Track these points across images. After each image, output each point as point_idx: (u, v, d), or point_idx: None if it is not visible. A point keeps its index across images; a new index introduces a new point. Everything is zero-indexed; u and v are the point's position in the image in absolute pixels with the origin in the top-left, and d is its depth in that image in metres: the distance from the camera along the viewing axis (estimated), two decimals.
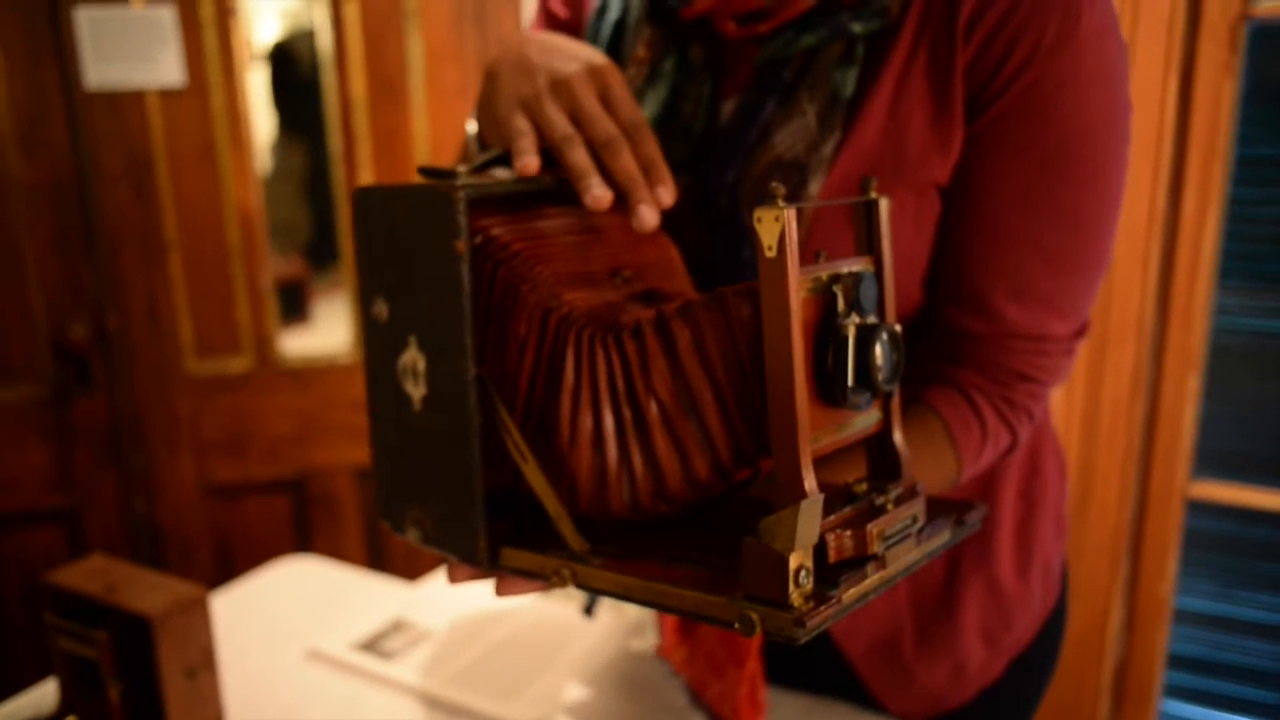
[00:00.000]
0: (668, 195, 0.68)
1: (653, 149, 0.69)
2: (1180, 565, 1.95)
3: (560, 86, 0.69)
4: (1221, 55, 1.68)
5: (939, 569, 0.93)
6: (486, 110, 0.75)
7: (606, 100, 0.70)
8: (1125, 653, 2.00)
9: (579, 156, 0.67)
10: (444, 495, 0.65)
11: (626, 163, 0.68)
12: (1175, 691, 2.03)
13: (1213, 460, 1.91)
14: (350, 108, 2.05)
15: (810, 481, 0.51)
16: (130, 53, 1.92)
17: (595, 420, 0.61)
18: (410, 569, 2.22)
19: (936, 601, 0.93)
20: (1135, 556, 1.95)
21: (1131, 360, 1.83)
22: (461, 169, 0.70)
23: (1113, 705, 2.02)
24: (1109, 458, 1.89)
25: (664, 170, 0.69)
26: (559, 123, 0.68)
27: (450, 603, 1.24)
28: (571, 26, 0.97)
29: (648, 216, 0.67)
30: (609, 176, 0.68)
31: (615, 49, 0.90)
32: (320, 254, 2.28)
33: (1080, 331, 0.83)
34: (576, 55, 0.72)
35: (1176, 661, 2.01)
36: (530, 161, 0.67)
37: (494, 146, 0.76)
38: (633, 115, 0.70)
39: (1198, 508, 1.93)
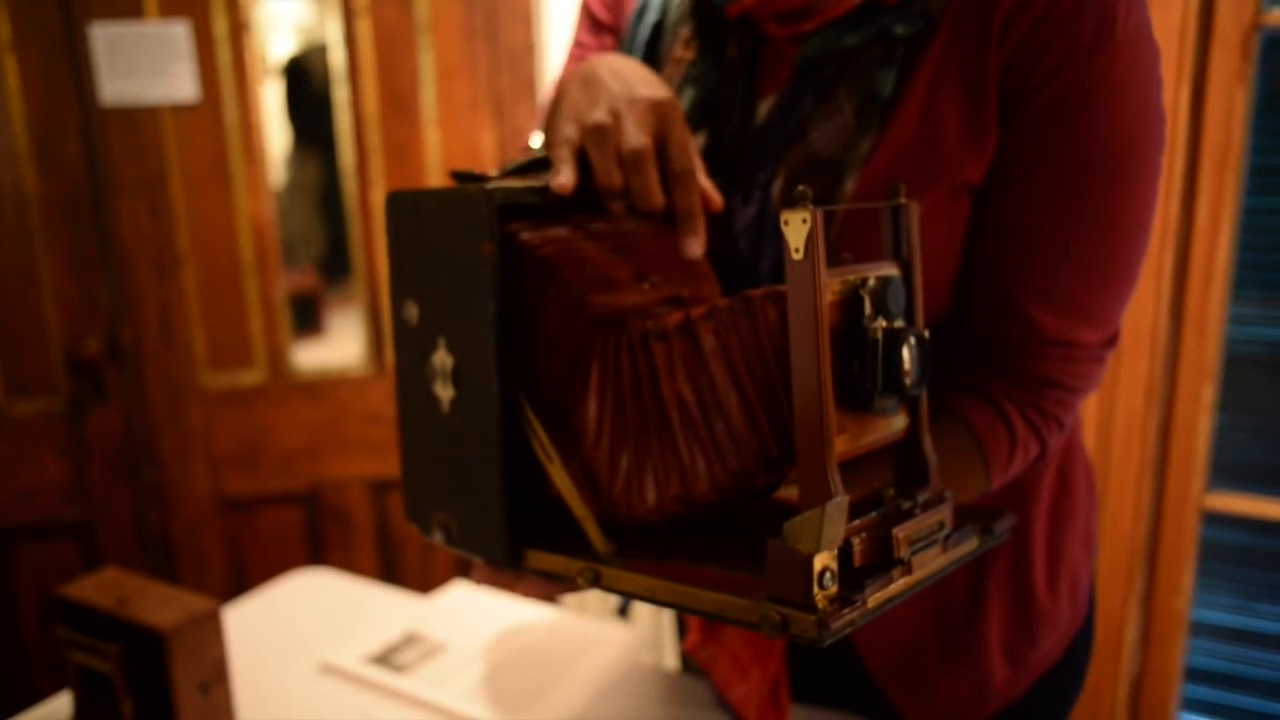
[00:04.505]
0: (697, 247, 0.70)
1: (694, 198, 0.70)
2: (1196, 578, 1.93)
3: (619, 113, 0.70)
4: (1234, 64, 1.68)
5: (966, 582, 0.92)
6: (551, 120, 0.76)
7: (664, 138, 0.70)
8: (1141, 666, 1.98)
9: (611, 173, 0.69)
10: (470, 496, 0.65)
11: (687, 198, 0.70)
12: (1193, 705, 2.01)
13: (1228, 471, 1.90)
14: (362, 122, 2.06)
15: (836, 483, 0.50)
16: (145, 69, 1.93)
17: (621, 423, 0.61)
18: (423, 582, 2.22)
19: (962, 615, 0.92)
20: (1151, 569, 1.94)
21: (1145, 371, 1.82)
22: (493, 173, 0.71)
23: (1129, 719, 2.00)
24: (1124, 470, 1.88)
25: (700, 223, 0.70)
26: (609, 143, 0.69)
27: (463, 616, 1.24)
28: (612, 29, 0.97)
29: (694, 247, 0.70)
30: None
31: (653, 49, 0.91)
32: (333, 267, 2.29)
33: (1111, 340, 0.82)
34: (644, 86, 0.72)
35: (1194, 675, 2.00)
36: (566, 180, 0.67)
37: None
38: (685, 160, 0.70)
39: (1214, 519, 1.92)
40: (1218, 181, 1.73)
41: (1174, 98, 1.70)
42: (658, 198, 0.68)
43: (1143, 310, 1.80)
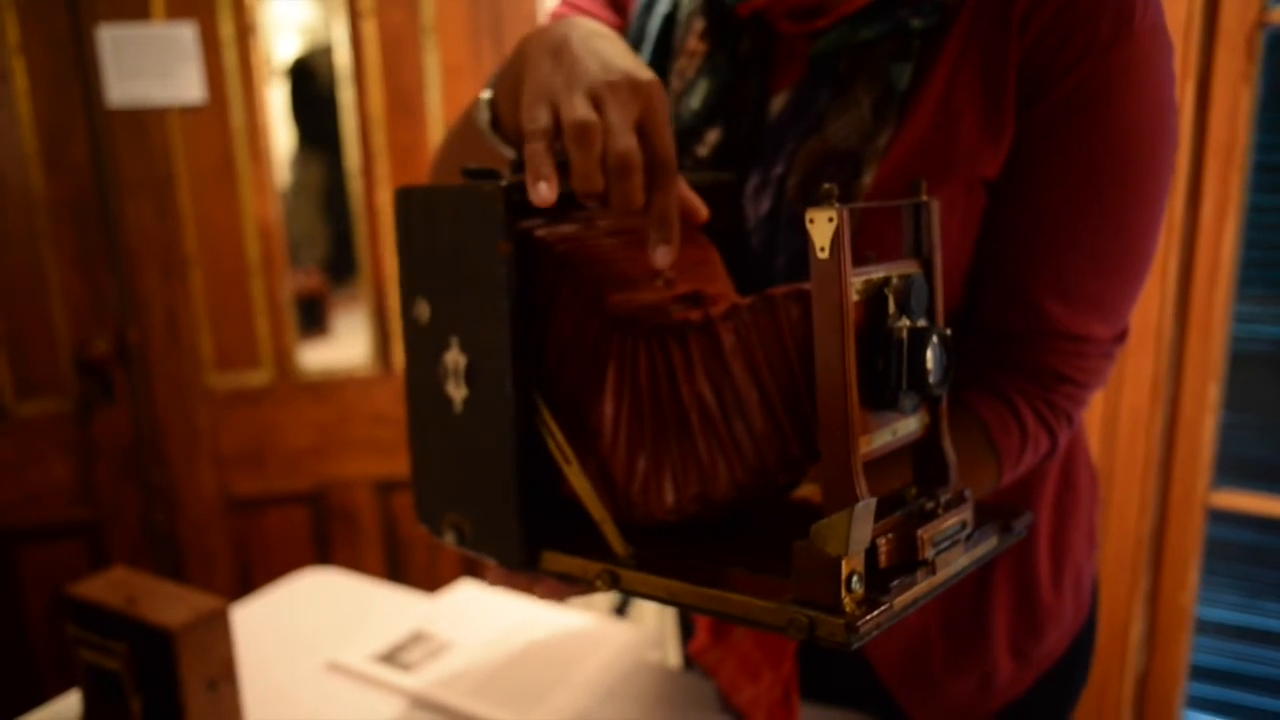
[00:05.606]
0: (667, 256, 0.62)
1: (673, 200, 0.63)
2: (1202, 575, 1.93)
3: (601, 100, 0.61)
4: (1238, 63, 1.68)
5: (971, 579, 0.92)
6: (509, 86, 0.70)
7: (645, 125, 0.63)
8: (1147, 664, 1.98)
9: (592, 168, 0.60)
10: (484, 497, 0.65)
11: (650, 196, 0.62)
12: (1197, 703, 2.01)
13: (1234, 469, 1.89)
14: (368, 123, 2.07)
15: (862, 485, 0.50)
16: (151, 70, 1.93)
17: (638, 423, 0.60)
18: (430, 581, 2.22)
19: (967, 612, 0.92)
20: (1156, 567, 1.93)
21: (1151, 369, 1.82)
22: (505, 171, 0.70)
23: (1134, 717, 2.00)
24: (1129, 467, 1.88)
25: (675, 230, 0.63)
26: (590, 146, 0.60)
27: (469, 615, 1.24)
28: (617, 9, 0.95)
29: (664, 256, 0.62)
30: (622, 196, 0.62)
31: (664, 42, 0.90)
32: (339, 267, 2.29)
33: (1120, 336, 0.83)
34: (622, 61, 0.64)
35: (1199, 673, 2.00)
36: (547, 194, 0.59)
37: (508, 126, 0.73)
38: (666, 154, 0.63)
39: (1219, 517, 1.92)
40: (1222, 179, 1.73)
41: (1179, 96, 1.70)
42: (640, 202, 0.61)
43: (1148, 308, 1.80)
